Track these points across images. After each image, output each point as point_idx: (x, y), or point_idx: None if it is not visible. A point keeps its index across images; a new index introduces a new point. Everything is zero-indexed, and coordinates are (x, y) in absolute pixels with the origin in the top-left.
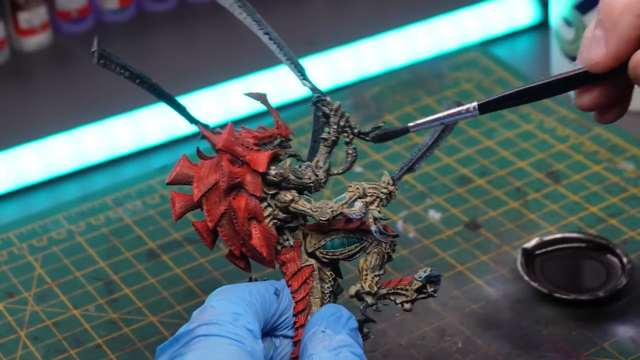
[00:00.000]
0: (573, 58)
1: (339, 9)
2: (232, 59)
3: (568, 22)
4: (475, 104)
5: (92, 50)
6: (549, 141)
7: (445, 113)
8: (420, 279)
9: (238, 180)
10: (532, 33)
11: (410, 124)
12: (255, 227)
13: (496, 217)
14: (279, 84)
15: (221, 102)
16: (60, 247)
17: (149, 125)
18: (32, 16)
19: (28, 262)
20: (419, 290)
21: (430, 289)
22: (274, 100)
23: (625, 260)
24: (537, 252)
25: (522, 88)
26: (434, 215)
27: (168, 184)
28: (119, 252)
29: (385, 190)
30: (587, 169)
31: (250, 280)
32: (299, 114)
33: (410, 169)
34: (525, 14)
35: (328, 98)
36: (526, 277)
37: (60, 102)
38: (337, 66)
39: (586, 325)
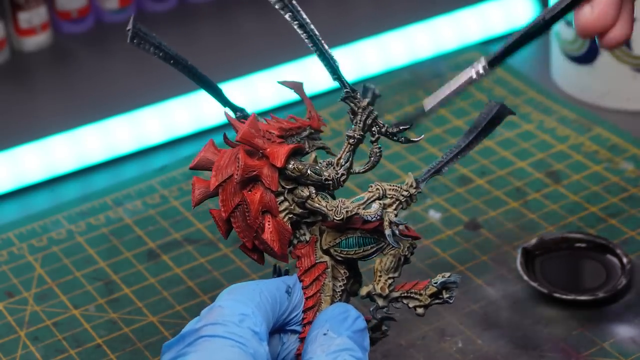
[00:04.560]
0: (573, 58)
1: (339, 9)
2: (232, 59)
3: (568, 22)
4: (483, 63)
5: (127, 29)
6: (549, 141)
7: (457, 82)
8: (436, 284)
9: (254, 173)
10: None
11: (426, 104)
12: (269, 221)
13: (496, 217)
14: (279, 84)
15: None
16: (60, 247)
17: (149, 125)
18: (32, 16)
19: (28, 262)
20: (434, 296)
21: (445, 295)
22: (273, 101)
23: (625, 260)
24: (537, 252)
25: (523, 32)
26: (434, 215)
27: (191, 169)
28: (119, 252)
29: (405, 193)
30: (587, 169)
31: (275, 268)
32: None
33: (437, 172)
34: (525, 14)
35: (358, 95)
36: (526, 277)
37: (60, 102)
38: None
39: (586, 325)
